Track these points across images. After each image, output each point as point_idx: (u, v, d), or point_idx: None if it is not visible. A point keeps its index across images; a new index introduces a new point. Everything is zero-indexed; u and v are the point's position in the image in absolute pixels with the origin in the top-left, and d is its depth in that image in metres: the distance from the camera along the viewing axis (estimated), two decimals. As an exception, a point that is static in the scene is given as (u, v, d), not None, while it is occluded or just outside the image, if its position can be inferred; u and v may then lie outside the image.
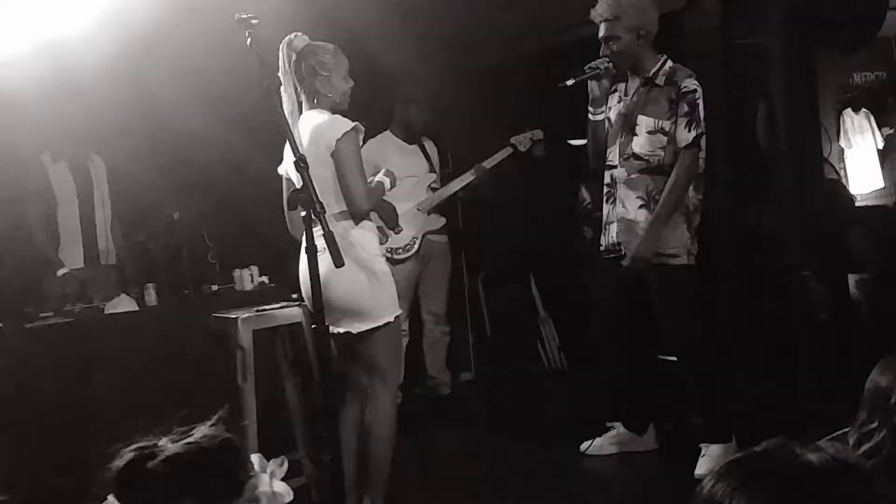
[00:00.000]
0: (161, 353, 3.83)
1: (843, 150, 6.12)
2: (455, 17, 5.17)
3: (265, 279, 4.49)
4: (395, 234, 4.61)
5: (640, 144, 3.61)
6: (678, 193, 3.55)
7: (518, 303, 5.90)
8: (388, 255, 4.50)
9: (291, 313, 3.50)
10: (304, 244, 2.75)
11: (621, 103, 3.73)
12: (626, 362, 3.86)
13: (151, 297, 4.17)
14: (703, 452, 3.59)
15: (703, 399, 3.68)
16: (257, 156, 3.90)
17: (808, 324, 4.26)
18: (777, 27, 4.27)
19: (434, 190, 4.93)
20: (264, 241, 4.42)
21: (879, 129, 6.19)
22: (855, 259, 4.68)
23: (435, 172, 5.00)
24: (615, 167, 3.69)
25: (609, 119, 3.75)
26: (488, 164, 4.85)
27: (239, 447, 1.41)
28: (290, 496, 1.42)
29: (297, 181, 2.73)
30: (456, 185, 4.90)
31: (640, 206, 3.62)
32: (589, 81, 3.69)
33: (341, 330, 3.11)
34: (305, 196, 2.61)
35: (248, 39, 2.75)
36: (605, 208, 3.76)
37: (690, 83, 3.55)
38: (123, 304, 4.02)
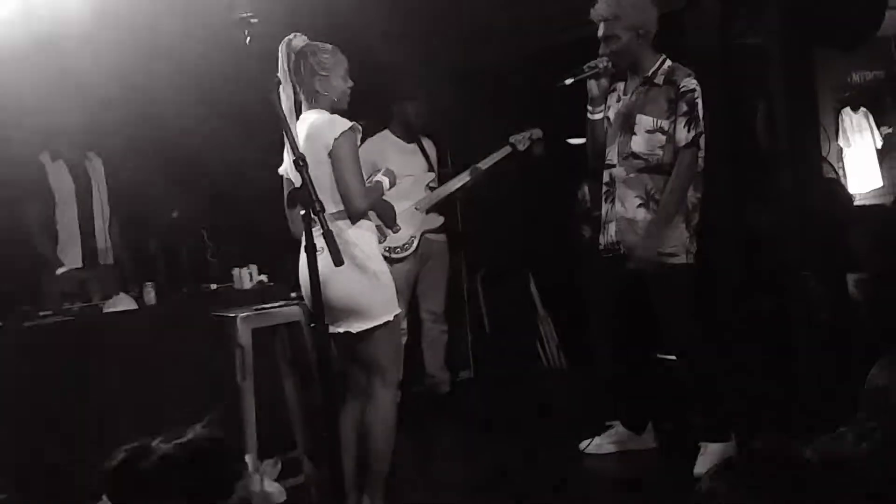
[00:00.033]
0: (160, 352, 3.83)
1: (841, 149, 6.13)
2: (454, 16, 5.17)
3: (264, 278, 4.49)
4: (394, 233, 4.62)
5: (638, 143, 3.61)
6: (679, 193, 3.55)
7: (517, 302, 5.89)
8: (387, 254, 4.50)
9: (291, 312, 3.49)
10: (303, 243, 2.75)
11: (620, 102, 3.73)
12: (625, 361, 3.86)
13: (150, 295, 4.16)
14: (701, 451, 3.58)
15: (702, 398, 3.68)
16: (256, 155, 3.90)
17: (807, 323, 4.27)
18: (776, 27, 4.28)
19: (432, 189, 4.94)
20: (263, 239, 4.42)
21: (878, 128, 6.20)
22: (854, 258, 4.68)
23: (433, 172, 5.00)
24: (614, 166, 3.69)
25: (608, 118, 3.75)
26: (485, 164, 4.85)
27: (230, 448, 1.41)
28: (282, 496, 1.43)
29: (297, 180, 2.73)
30: (453, 184, 4.90)
31: (639, 206, 3.62)
32: (588, 80, 3.69)
33: (341, 329, 3.11)
34: (304, 195, 2.61)
35: (248, 38, 2.75)
36: (604, 207, 3.76)
37: (689, 82, 3.55)
38: (122, 303, 4.02)
